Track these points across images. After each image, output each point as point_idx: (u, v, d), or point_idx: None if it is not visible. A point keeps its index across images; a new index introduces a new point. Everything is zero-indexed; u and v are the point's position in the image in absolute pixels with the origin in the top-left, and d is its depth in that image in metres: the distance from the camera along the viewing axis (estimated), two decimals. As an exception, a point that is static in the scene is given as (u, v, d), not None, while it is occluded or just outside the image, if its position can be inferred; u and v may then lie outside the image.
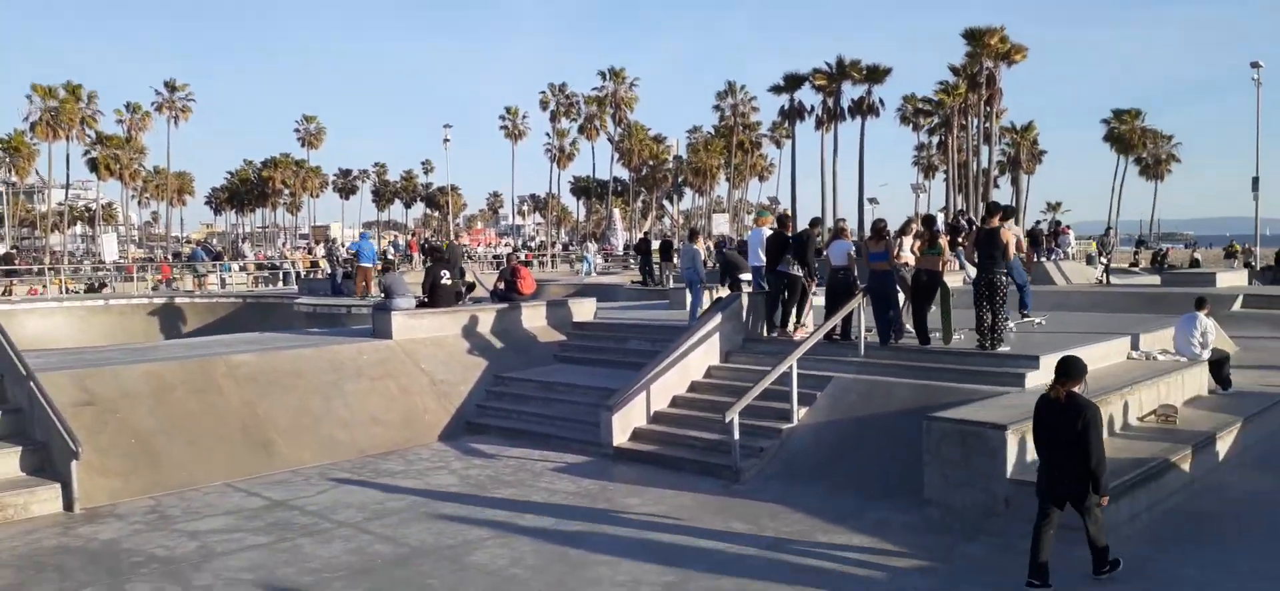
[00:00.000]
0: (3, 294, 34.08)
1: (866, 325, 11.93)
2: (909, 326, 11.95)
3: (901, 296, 12.16)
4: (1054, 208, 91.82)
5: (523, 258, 25.76)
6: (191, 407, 10.79)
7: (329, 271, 31.71)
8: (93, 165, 76.37)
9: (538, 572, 7.10)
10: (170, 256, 56.70)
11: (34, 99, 66.12)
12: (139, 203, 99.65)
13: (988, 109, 60.41)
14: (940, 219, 32.51)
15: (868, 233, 12.53)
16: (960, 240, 25.61)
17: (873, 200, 76.42)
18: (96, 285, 36.33)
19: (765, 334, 13.12)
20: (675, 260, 30.69)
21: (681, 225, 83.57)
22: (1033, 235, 28.52)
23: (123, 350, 13.87)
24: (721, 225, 69.70)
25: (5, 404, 9.79)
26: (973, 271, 11.56)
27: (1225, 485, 8.86)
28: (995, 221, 11.04)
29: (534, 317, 15.53)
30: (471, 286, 18.85)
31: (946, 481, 8.26)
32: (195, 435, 10.42)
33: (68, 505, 8.68)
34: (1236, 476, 9.13)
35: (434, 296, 15.06)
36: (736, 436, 9.81)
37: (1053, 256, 28.41)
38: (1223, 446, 9.44)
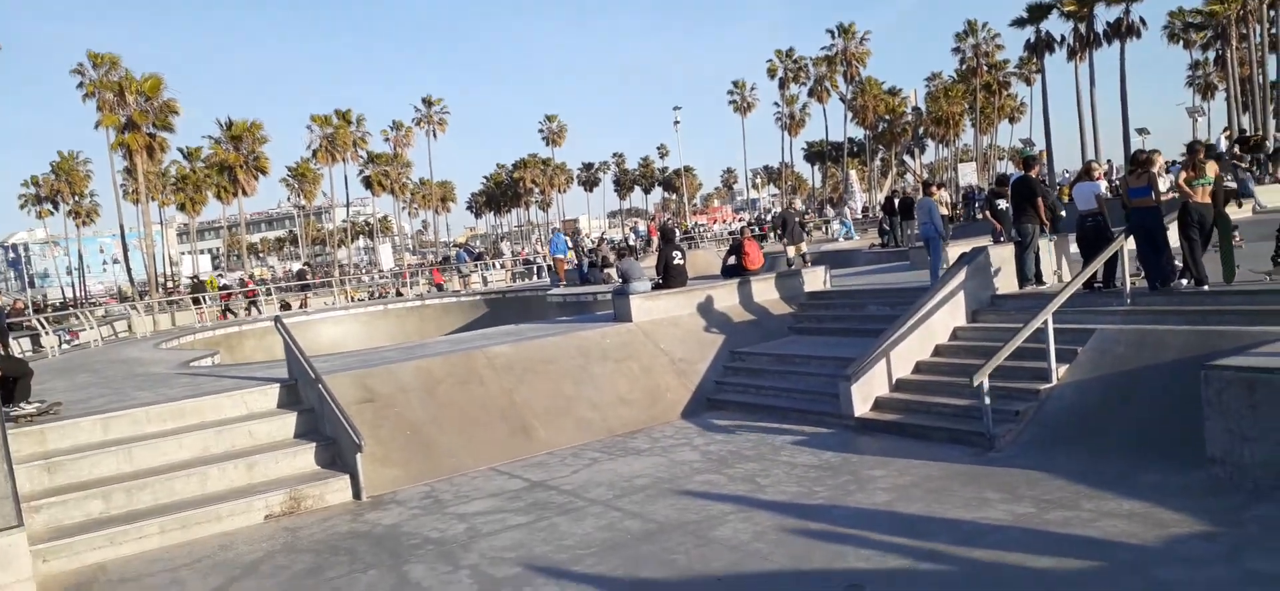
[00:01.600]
0: (300, 306, 38.51)
1: (1132, 270, 10.88)
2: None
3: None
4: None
5: (755, 232, 25.81)
6: (457, 398, 11.70)
7: (575, 262, 33.21)
8: (367, 183, 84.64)
9: (780, 546, 7.09)
10: (440, 261, 61.69)
11: (313, 128, 74.51)
12: (409, 213, 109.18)
13: (1273, 12, 53.00)
14: (1223, 141, 29.02)
15: (1127, 167, 11.42)
16: (1246, 165, 22.85)
17: (1143, 131, 69.47)
18: (376, 293, 40.21)
19: (1018, 289, 12.33)
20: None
21: (920, 179, 79.95)
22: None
23: (397, 349, 15.27)
24: (969, 175, 66.06)
25: (300, 405, 11.09)
26: (1266, 197, 10.30)
27: None
28: None
29: (766, 290, 15.48)
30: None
31: (1232, 436, 7.38)
32: (462, 424, 11.29)
33: (356, 493, 9.69)
34: None
35: (667, 277, 15.38)
36: (987, 400, 9.28)
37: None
38: None
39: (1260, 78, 53.69)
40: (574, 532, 7.97)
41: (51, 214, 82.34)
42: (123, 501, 9.12)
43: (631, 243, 44.39)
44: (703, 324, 14.46)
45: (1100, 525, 6.80)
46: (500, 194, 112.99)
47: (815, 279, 16.17)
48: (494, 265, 46.92)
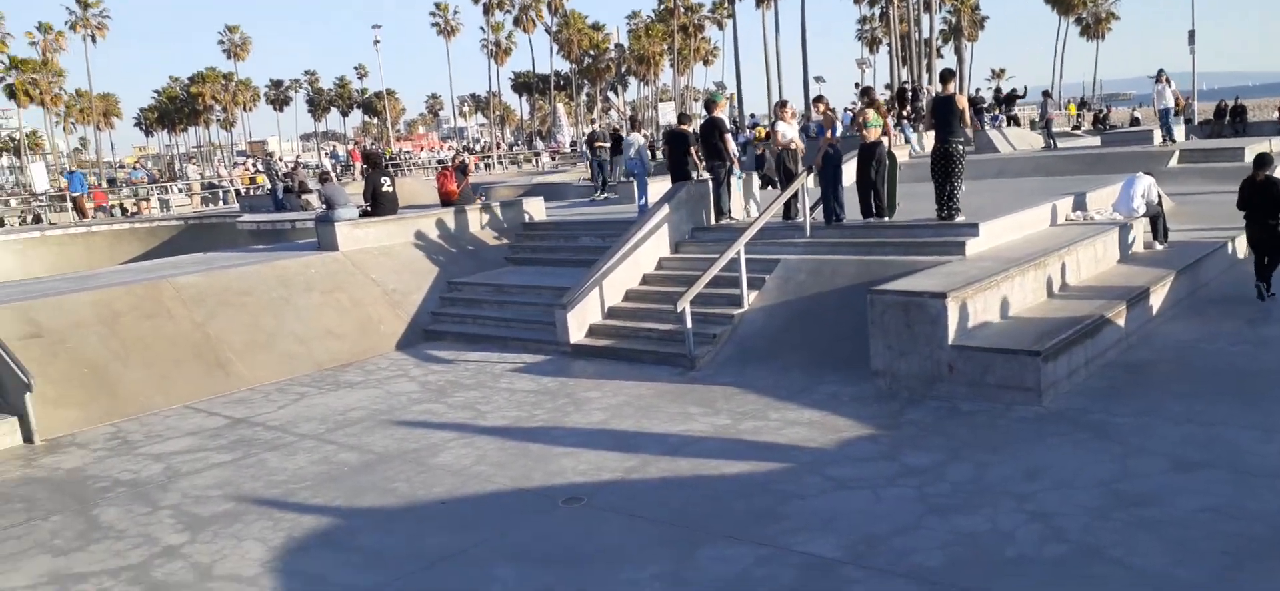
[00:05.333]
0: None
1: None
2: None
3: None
4: (998, 74, 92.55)
5: (463, 162, 25.62)
6: (143, 333, 10.69)
7: (269, 187, 31.14)
8: (10, 92, 73.32)
9: (502, 467, 7.29)
10: (104, 183, 55.03)
11: (-61, 25, 62.90)
12: (64, 129, 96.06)
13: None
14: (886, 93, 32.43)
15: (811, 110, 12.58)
16: (904, 113, 25.90)
17: (819, 78, 76.37)
18: (30, 217, 35.25)
19: (715, 221, 13.24)
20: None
21: (625, 117, 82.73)
22: (974, 102, 28.79)
23: (67, 279, 13.59)
24: (668, 114, 69.14)
25: (-51, 343, 9.63)
26: (921, 145, 11.71)
27: (1158, 335, 9.27)
28: (949, 88, 11.11)
29: (482, 221, 15.45)
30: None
31: (891, 351, 8.54)
32: (149, 360, 10.36)
33: (27, 437, 8.69)
34: (1170, 327, 9.56)
35: (377, 205, 14.89)
36: (689, 324, 10.00)
37: (996, 123, 28.78)
38: (1156, 299, 9.83)
39: (916, 34, 60.70)
40: (285, 467, 7.68)
41: None
42: None
43: (330, 168, 42.09)
44: (416, 253, 14.18)
45: (786, 432, 7.64)
46: (175, 110, 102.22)
47: (533, 209, 16.34)
48: (173, 188, 42.63)
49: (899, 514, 5.83)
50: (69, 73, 77.80)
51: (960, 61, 72.37)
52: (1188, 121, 32.18)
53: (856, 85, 31.40)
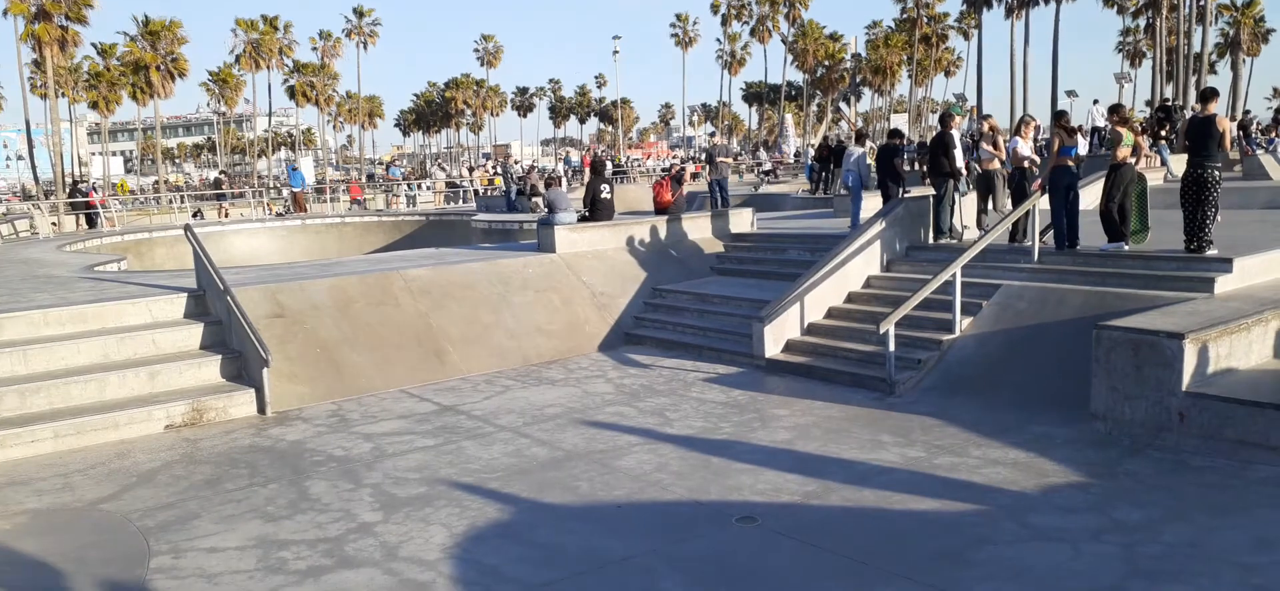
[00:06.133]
0: (220, 215, 37.38)
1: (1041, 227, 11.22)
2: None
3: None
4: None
5: (680, 170, 26.04)
6: (371, 319, 11.56)
7: (504, 188, 32.92)
8: (291, 93, 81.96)
9: (680, 478, 7.25)
10: (363, 179, 60.31)
11: (237, 32, 71.66)
12: (334, 127, 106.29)
13: (1202, -14, 54.54)
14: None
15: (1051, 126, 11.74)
16: (1163, 133, 23.59)
17: (1071, 93, 71.20)
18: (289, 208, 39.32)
19: (933, 241, 12.62)
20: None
21: (854, 128, 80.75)
22: (1243, 125, 25.83)
23: (312, 266, 14.98)
24: (901, 125, 66.91)
25: (208, 317, 10.84)
26: (1177, 167, 10.65)
27: None
28: (1210, 108, 10.02)
29: (693, 229, 15.56)
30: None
31: (1116, 393, 7.76)
32: (374, 344, 11.18)
33: (261, 408, 9.58)
34: None
35: (594, 210, 15.35)
36: (891, 347, 9.55)
37: (1273, 147, 25.65)
38: None
39: (1185, 48, 55.30)
40: (480, 456, 8.02)
41: (-48, 103, 77.92)
42: (15, 404, 8.85)
43: (561, 172, 43.96)
44: (627, 259, 14.50)
45: (985, 472, 7.10)
46: (430, 113, 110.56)
47: (742, 221, 16.30)
48: (419, 187, 46.09)
49: (1099, 573, 5.26)
50: (342, 76, 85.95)
51: (1236, 78, 65.28)
52: None
53: (1094, 103, 28.61)
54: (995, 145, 12.97)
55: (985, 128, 13.50)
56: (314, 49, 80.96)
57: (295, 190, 35.86)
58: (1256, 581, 5.01)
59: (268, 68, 74.08)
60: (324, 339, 10.91)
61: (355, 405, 9.89)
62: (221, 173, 73.98)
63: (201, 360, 10.05)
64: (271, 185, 50.19)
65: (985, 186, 13.14)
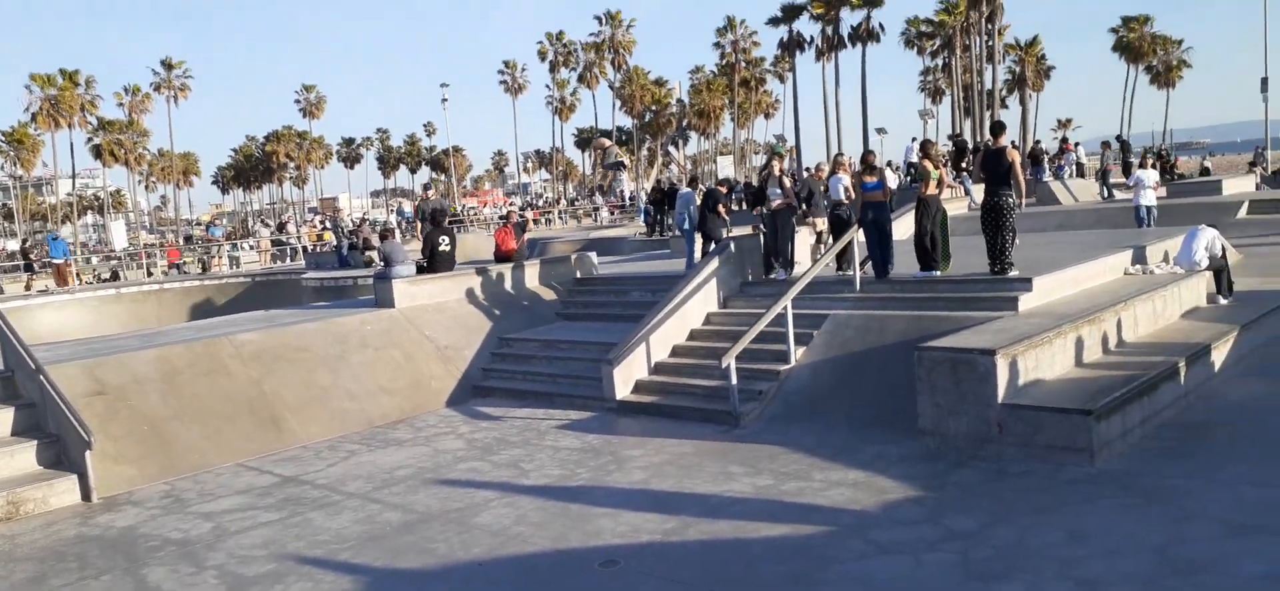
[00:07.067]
0: (25, 290, 34.36)
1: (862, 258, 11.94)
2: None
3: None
4: (1064, 125, 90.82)
5: (522, 218, 26.04)
6: (200, 390, 10.99)
7: (334, 243, 31.95)
8: (97, 152, 76.72)
9: (540, 529, 7.28)
10: (181, 241, 57.04)
11: (33, 89, 66.55)
12: (146, 187, 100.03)
13: (990, 27, 59.69)
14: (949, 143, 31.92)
15: (859, 164, 12.50)
16: (965, 165, 25.55)
17: (881, 130, 76.14)
18: (110, 275, 36.71)
19: (764, 276, 13.18)
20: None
21: (685, 171, 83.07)
22: (1034, 154, 28.32)
23: (132, 337, 14.08)
24: (727, 168, 69.38)
25: (19, 400, 10.01)
26: (979, 196, 11.54)
27: (1218, 394, 8.93)
28: (1000, 141, 10.96)
29: (535, 276, 15.63)
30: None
31: (939, 410, 8.37)
32: (205, 417, 10.63)
33: (85, 495, 8.93)
34: (1231, 385, 9.19)
35: (434, 261, 15.16)
36: (733, 381, 9.93)
37: (1060, 174, 28.22)
38: (1218, 356, 9.48)
39: (979, 85, 60.15)
40: (329, 527, 7.77)
41: None
42: None
43: (394, 224, 43.04)
44: (470, 309, 14.39)
45: (829, 494, 7.50)
46: (251, 168, 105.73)
47: (584, 265, 16.49)
48: (243, 245, 43.97)
49: (938, 580, 5.67)
50: (153, 133, 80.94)
51: (1025, 112, 71.47)
52: (1260, 171, 31.17)
53: (913, 141, 30.70)
54: (782, 186, 13.29)
55: (776, 170, 13.30)
56: (120, 104, 76.16)
57: (57, 262, 32.39)
58: (1076, 574, 5.53)
59: (69, 126, 69.00)
60: (151, 414, 10.28)
61: (190, 483, 9.37)
62: (24, 243, 68.16)
63: (14, 447, 9.25)
64: (79, 253, 46.59)
65: (772, 227, 13.17)
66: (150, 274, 35.75)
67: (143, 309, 27.96)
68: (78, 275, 35.38)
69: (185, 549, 7.44)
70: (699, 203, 15.19)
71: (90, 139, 75.56)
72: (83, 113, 69.55)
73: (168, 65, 77.77)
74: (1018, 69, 74.64)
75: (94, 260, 38.30)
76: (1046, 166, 28.08)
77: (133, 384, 10.60)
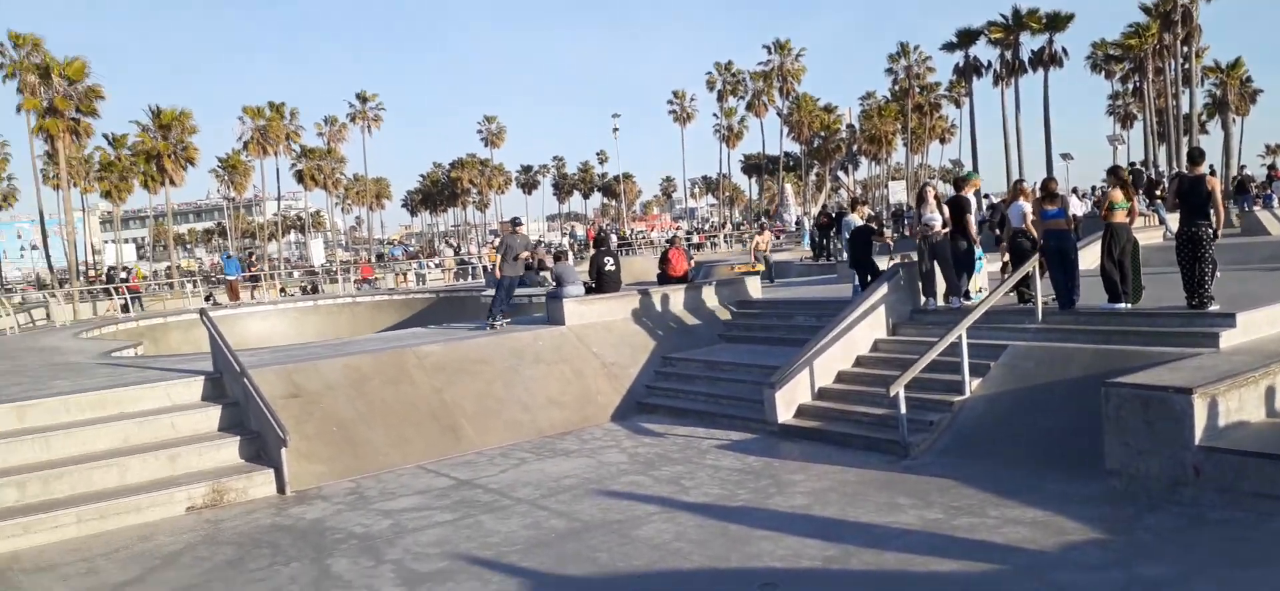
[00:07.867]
0: (231, 299, 37.61)
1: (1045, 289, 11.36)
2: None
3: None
4: (1274, 151, 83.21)
5: (688, 242, 26.36)
6: (386, 396, 11.69)
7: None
8: (299, 177, 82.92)
9: (700, 546, 7.30)
10: (373, 258, 60.87)
11: (245, 119, 72.82)
12: (342, 209, 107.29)
13: (1186, 49, 55.44)
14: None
15: (1039, 191, 11.87)
16: (1158, 193, 23.88)
17: (1066, 156, 71.77)
18: (308, 288, 39.60)
19: (942, 303, 12.74)
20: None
21: (852, 196, 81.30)
22: (1240, 182, 26.12)
23: (326, 346, 15.16)
24: (899, 193, 67.55)
25: (225, 399, 10.98)
26: (1173, 225, 10.78)
27: None
28: (1198, 169, 10.22)
29: (699, 298, 15.75)
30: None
31: (1128, 450, 7.82)
32: (389, 421, 11.29)
33: (280, 488, 9.66)
34: None
35: (601, 282, 15.55)
36: (902, 410, 9.64)
37: (1269, 203, 25.91)
38: None
39: (1175, 109, 56.02)
40: (499, 530, 8.07)
41: (-35, 196, 78.92)
42: (38, 490, 8.95)
43: (567, 246, 44.38)
44: (635, 329, 14.66)
45: (1004, 531, 7.14)
46: (437, 193, 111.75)
47: (748, 288, 16.50)
48: (429, 264, 46.47)
49: (1123, 629, 5.30)
50: (348, 159, 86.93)
51: (1227, 137, 65.98)
52: None
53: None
54: (940, 212, 12.49)
55: (930, 195, 12.71)
56: (319, 134, 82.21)
57: (230, 278, 36.27)
58: (1278, 631, 5.05)
59: (275, 153, 75.15)
60: (340, 417, 11.03)
61: (373, 482, 9.97)
62: (250, 252, 74.56)
63: (220, 442, 10.16)
64: (282, 269, 50.59)
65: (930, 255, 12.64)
66: (344, 288, 38.32)
67: (337, 320, 30.08)
68: (282, 289, 38.46)
69: (366, 543, 7.92)
70: (848, 237, 14.96)
71: (293, 165, 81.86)
72: (287, 141, 75.50)
73: (362, 98, 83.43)
74: (1218, 92, 69.05)
75: (296, 273, 41.34)
76: (1253, 194, 25.83)
77: (325, 388, 11.40)
